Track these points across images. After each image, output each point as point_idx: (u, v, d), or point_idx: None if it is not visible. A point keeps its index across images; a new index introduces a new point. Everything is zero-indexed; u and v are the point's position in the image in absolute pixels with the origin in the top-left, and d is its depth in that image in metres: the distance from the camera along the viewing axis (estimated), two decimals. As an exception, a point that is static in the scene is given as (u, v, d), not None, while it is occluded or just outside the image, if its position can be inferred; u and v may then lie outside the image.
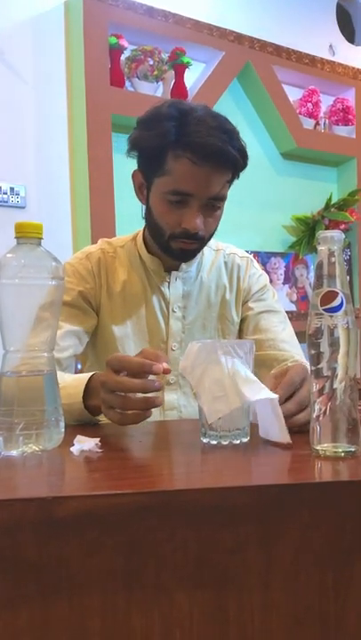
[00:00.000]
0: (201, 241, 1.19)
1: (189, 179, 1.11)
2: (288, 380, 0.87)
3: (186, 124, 1.09)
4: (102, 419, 0.98)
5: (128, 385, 0.82)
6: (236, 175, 1.18)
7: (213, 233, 1.22)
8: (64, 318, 1.18)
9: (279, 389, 0.86)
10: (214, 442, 0.80)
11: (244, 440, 0.81)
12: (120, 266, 1.28)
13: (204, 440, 0.81)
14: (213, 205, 1.16)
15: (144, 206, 1.23)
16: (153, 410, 1.20)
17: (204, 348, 0.81)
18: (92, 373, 0.99)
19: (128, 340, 1.25)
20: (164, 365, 0.82)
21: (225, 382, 0.78)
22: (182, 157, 1.09)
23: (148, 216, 1.21)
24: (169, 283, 1.27)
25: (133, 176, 1.23)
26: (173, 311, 1.27)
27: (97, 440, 0.78)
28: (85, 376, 0.99)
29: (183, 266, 1.27)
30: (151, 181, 1.17)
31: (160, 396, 0.84)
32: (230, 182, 1.19)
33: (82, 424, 0.99)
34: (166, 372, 0.81)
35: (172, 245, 1.19)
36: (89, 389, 0.97)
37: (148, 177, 1.18)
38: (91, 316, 1.25)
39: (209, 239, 1.23)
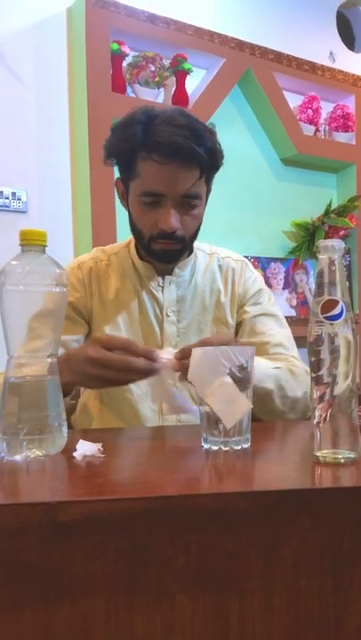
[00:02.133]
0: (181, 241, 1.20)
1: (157, 178, 1.13)
2: (204, 340, 0.99)
3: (152, 127, 1.12)
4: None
5: (136, 365, 0.92)
6: (207, 173, 1.18)
7: (195, 233, 1.23)
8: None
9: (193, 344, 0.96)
10: (215, 447, 0.81)
11: (245, 446, 0.81)
12: (113, 273, 1.29)
13: (205, 446, 0.82)
14: (189, 204, 1.17)
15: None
16: (151, 415, 1.22)
17: (206, 354, 0.82)
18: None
19: None
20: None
21: (231, 387, 0.79)
22: (148, 158, 1.12)
23: (130, 221, 1.24)
24: (162, 287, 1.28)
25: (116, 184, 1.26)
26: (167, 315, 1.28)
27: (99, 445, 0.78)
28: None
29: (177, 270, 1.28)
30: (128, 186, 1.20)
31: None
32: (207, 181, 1.20)
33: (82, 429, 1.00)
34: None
35: (154, 247, 1.20)
36: None
37: (125, 182, 1.21)
38: (80, 325, 1.25)
39: (191, 239, 1.23)
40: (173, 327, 1.28)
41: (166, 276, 1.28)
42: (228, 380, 0.79)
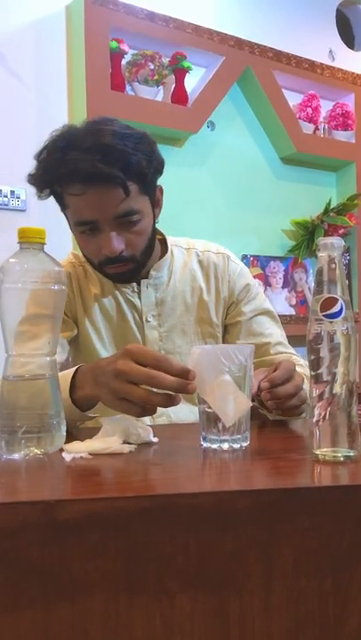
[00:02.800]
0: (132, 260, 1.14)
1: (82, 208, 1.08)
2: (284, 366, 0.97)
3: (65, 156, 1.04)
4: (93, 414, 0.97)
5: (162, 380, 0.78)
6: (139, 186, 1.10)
7: (146, 247, 1.17)
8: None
9: (278, 372, 0.94)
10: (215, 446, 0.80)
11: (244, 444, 0.81)
12: (90, 279, 1.26)
13: (205, 444, 0.82)
14: (128, 221, 1.10)
15: None
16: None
17: (206, 353, 0.82)
18: (77, 367, 0.95)
19: (107, 352, 1.23)
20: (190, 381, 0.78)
21: (231, 386, 0.79)
22: (65, 192, 1.09)
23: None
24: (139, 292, 1.24)
25: (63, 212, 1.20)
26: (147, 321, 1.24)
27: (86, 453, 0.77)
28: (70, 371, 0.95)
29: (152, 272, 1.24)
30: (67, 216, 1.17)
31: (179, 396, 0.80)
32: (144, 191, 1.12)
33: (78, 424, 0.99)
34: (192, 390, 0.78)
35: (107, 272, 1.17)
36: (75, 382, 0.93)
37: (64, 214, 1.18)
38: (69, 325, 1.23)
39: (144, 255, 1.17)
40: (155, 332, 1.24)
41: (142, 280, 1.23)
42: (228, 378, 0.79)
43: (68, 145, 1.05)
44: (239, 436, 0.81)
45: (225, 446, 0.80)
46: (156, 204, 1.19)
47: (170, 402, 0.80)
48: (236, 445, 0.80)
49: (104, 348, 1.24)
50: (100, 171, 1.03)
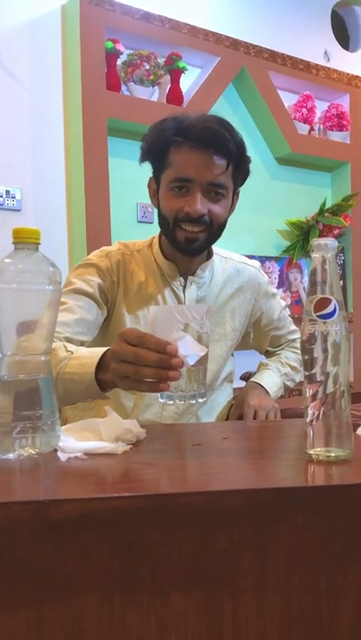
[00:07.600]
0: (206, 227, 1.23)
1: (188, 164, 1.19)
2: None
3: (184, 121, 1.20)
4: (110, 396, 1.00)
5: (145, 357, 0.80)
6: (234, 166, 1.23)
7: (221, 225, 1.26)
8: (82, 305, 1.23)
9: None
10: (170, 402, 0.81)
11: (200, 400, 0.82)
12: (137, 268, 1.32)
13: (161, 400, 0.82)
14: (216, 192, 1.22)
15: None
16: (153, 402, 1.28)
17: (161, 311, 0.83)
18: (107, 348, 0.97)
19: None
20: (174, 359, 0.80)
21: (188, 337, 0.80)
22: (182, 146, 1.19)
23: (159, 214, 1.28)
24: (184, 287, 1.32)
25: (149, 184, 1.31)
26: None
27: (80, 453, 0.78)
28: (100, 349, 0.98)
29: (198, 271, 1.33)
30: (159, 180, 1.25)
31: (178, 373, 0.80)
32: (233, 178, 1.25)
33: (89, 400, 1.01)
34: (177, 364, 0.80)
35: (178, 235, 1.23)
36: (102, 363, 0.96)
37: (157, 177, 1.26)
38: (103, 310, 1.28)
39: (217, 231, 1.26)
40: None
41: (188, 277, 1.32)
42: (183, 334, 0.80)
43: (198, 116, 1.21)
44: (195, 392, 0.81)
45: (180, 401, 0.80)
46: (232, 201, 1.31)
47: (159, 374, 0.80)
48: (193, 401, 0.81)
49: None
50: (222, 134, 1.18)
